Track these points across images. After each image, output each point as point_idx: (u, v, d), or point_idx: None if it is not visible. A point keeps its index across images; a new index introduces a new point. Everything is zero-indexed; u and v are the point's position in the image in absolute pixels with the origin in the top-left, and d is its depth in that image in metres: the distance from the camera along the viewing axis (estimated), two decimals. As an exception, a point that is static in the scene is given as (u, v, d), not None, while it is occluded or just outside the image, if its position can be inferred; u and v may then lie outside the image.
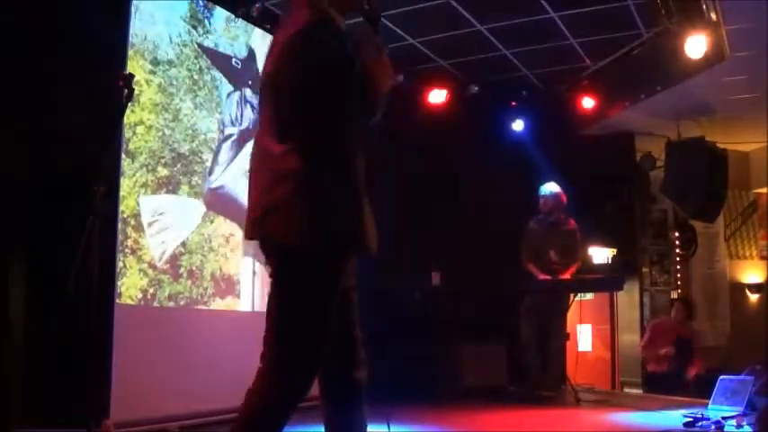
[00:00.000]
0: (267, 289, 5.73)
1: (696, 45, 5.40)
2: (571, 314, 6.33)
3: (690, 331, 6.98)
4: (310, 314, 2.05)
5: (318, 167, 2.03)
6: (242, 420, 2.03)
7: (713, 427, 4.11)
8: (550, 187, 6.19)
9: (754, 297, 8.70)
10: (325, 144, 2.06)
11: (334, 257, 2.07)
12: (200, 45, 4.85)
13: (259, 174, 2.13)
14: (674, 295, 8.36)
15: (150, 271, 4.31)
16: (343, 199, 2.06)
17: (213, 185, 4.85)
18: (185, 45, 4.73)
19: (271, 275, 2.13)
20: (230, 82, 5.09)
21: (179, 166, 4.59)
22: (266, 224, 2.06)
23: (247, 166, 5.09)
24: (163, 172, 4.46)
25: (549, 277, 6.00)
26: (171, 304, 4.44)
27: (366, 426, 2.20)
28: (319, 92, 2.05)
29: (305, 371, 2.05)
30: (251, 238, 2.16)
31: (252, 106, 5.28)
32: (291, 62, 2.07)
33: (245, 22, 5.26)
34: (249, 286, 5.11)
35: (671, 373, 6.50)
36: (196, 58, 4.81)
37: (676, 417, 4.41)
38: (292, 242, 2.03)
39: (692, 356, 6.67)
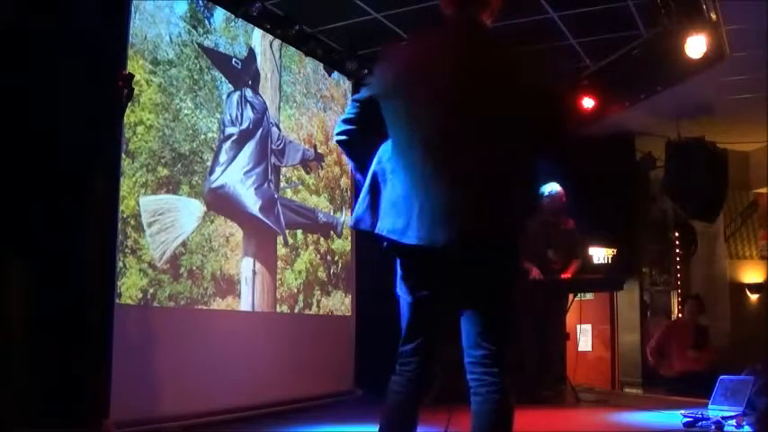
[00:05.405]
0: (267, 289, 5.76)
1: (696, 45, 5.40)
2: (571, 314, 6.32)
3: (704, 326, 7.08)
4: None
5: None
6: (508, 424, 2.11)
7: (713, 427, 4.11)
8: (553, 187, 6.18)
9: (754, 297, 8.71)
10: None
11: None
12: (200, 45, 4.85)
13: None
14: (675, 295, 8.36)
15: (150, 271, 4.31)
16: None
17: (214, 185, 4.86)
18: (185, 45, 4.73)
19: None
20: (230, 82, 5.09)
21: (179, 166, 4.59)
22: None
23: (247, 166, 5.14)
24: (163, 172, 4.46)
25: (548, 277, 6.00)
26: (171, 304, 4.44)
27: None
28: None
29: None
30: None
31: (252, 106, 5.28)
32: None
33: (245, 22, 5.26)
34: (249, 286, 5.11)
35: (701, 373, 6.49)
36: (196, 58, 4.81)
37: (676, 417, 4.41)
38: None
39: (707, 347, 6.83)
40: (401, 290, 2.17)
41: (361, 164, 2.24)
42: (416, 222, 2.02)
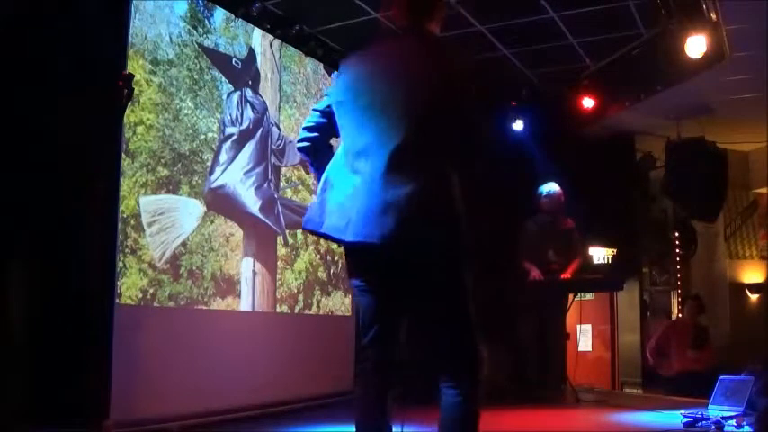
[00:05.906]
0: (267, 289, 5.75)
1: (696, 45, 5.40)
2: (571, 314, 6.32)
3: (704, 326, 7.09)
4: None
5: None
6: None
7: (713, 427, 4.11)
8: (552, 187, 6.19)
9: (754, 297, 8.71)
10: None
11: None
12: (200, 45, 4.85)
13: None
14: (675, 295, 8.36)
15: (150, 271, 4.31)
16: None
17: (214, 185, 4.86)
18: (185, 45, 4.73)
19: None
20: (230, 82, 5.09)
21: (179, 166, 4.59)
22: None
23: (247, 166, 5.14)
24: (163, 172, 4.46)
25: (548, 277, 6.00)
26: (171, 304, 4.44)
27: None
28: None
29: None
30: None
31: (252, 106, 5.28)
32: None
33: (245, 22, 5.26)
34: (249, 286, 5.11)
35: (701, 373, 6.48)
36: (196, 58, 4.81)
37: (676, 417, 4.41)
38: None
39: (707, 347, 6.85)
40: (351, 284, 2.32)
41: (323, 169, 2.37)
42: (355, 220, 2.14)
